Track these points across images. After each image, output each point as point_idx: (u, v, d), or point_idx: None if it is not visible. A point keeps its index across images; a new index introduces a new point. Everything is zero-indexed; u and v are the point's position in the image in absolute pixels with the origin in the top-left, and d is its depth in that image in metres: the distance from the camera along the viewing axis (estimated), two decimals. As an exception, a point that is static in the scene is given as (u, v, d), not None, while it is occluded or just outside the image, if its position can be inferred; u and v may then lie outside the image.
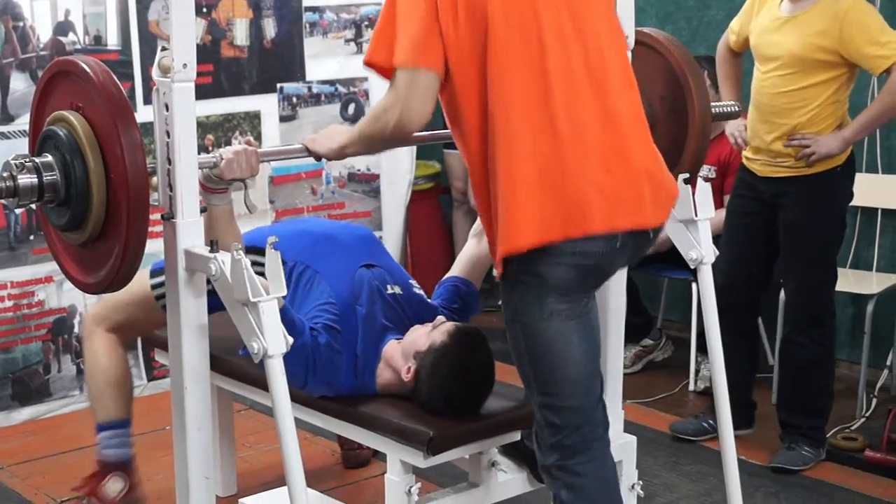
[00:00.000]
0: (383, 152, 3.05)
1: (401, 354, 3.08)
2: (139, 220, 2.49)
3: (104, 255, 2.59)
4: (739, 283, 4.08)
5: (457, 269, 3.46)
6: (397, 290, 3.29)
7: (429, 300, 3.37)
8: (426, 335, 3.06)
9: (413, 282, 3.40)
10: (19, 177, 2.54)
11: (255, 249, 2.84)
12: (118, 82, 2.53)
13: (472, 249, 3.46)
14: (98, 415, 3.47)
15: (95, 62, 2.56)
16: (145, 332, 3.69)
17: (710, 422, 4.31)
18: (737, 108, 3.56)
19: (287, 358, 2.55)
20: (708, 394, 4.62)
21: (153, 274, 3.41)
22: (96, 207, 2.53)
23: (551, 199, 2.58)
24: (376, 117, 2.67)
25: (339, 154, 2.84)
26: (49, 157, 2.57)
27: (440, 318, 3.13)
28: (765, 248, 4.13)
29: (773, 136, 3.97)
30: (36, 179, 2.55)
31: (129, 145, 2.46)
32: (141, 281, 3.44)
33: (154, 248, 4.60)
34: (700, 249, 3.16)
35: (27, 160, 2.56)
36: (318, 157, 2.89)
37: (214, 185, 2.81)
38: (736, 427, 3.29)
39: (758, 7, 4.08)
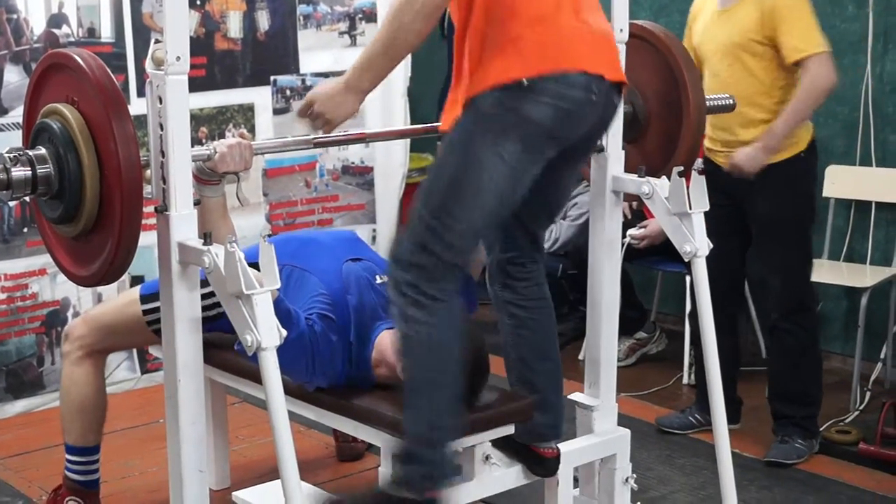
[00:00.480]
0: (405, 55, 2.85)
1: (393, 349, 3.08)
2: (133, 212, 2.49)
3: (98, 247, 2.59)
4: (716, 279, 4.02)
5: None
6: (386, 278, 3.30)
7: None
8: (418, 330, 3.05)
9: None
10: (13, 169, 2.53)
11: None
12: (112, 75, 2.52)
13: None
14: (67, 436, 3.48)
15: (90, 55, 2.55)
16: (132, 348, 3.70)
17: (697, 416, 4.33)
18: (731, 101, 3.57)
19: (287, 352, 2.55)
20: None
21: (144, 299, 3.40)
22: (90, 200, 2.52)
23: (547, 34, 2.67)
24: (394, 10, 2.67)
25: (366, 88, 2.79)
26: (43, 150, 2.56)
27: None
28: (737, 239, 4.13)
29: (748, 129, 3.98)
30: (30, 172, 2.54)
31: (123, 138, 2.45)
32: (130, 305, 3.45)
33: (148, 240, 4.64)
34: (694, 242, 3.17)
35: (21, 153, 2.55)
36: (342, 120, 2.83)
37: (208, 177, 2.80)
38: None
39: (695, 16, 4.16)
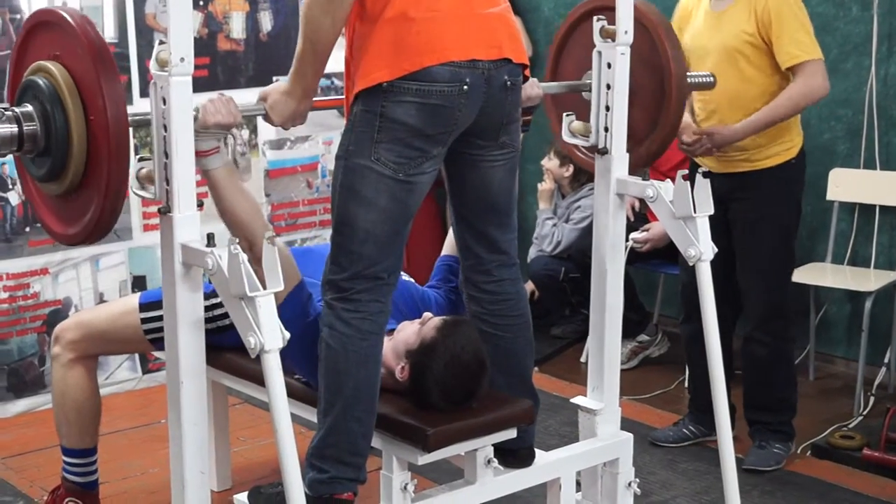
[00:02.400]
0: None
1: (392, 352, 3.07)
2: (120, 170, 2.50)
3: (84, 205, 2.58)
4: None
5: (448, 248, 3.47)
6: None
7: (419, 286, 3.40)
8: (415, 333, 3.05)
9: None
10: None
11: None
12: (99, 32, 2.53)
13: None
14: (62, 438, 3.46)
15: (76, 12, 2.56)
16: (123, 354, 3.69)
17: (691, 428, 4.29)
18: (711, 79, 3.61)
19: (306, 338, 2.57)
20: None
21: (143, 308, 3.38)
22: (76, 157, 2.52)
23: (403, 29, 2.65)
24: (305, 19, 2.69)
25: (299, 95, 2.83)
26: (29, 107, 2.56)
27: (427, 314, 3.13)
28: (727, 243, 4.07)
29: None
30: (16, 129, 2.54)
31: (112, 95, 2.46)
32: (127, 314, 3.42)
33: (150, 240, 4.64)
34: (699, 246, 3.15)
35: (6, 109, 2.55)
36: (285, 120, 2.87)
37: (205, 145, 2.76)
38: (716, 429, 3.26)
39: (684, 17, 4.10)
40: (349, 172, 2.73)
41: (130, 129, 2.53)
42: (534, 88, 3.22)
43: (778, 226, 4.03)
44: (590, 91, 3.32)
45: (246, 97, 4.91)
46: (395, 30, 2.67)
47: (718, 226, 4.01)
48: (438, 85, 2.68)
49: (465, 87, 2.70)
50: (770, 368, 4.08)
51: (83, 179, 2.56)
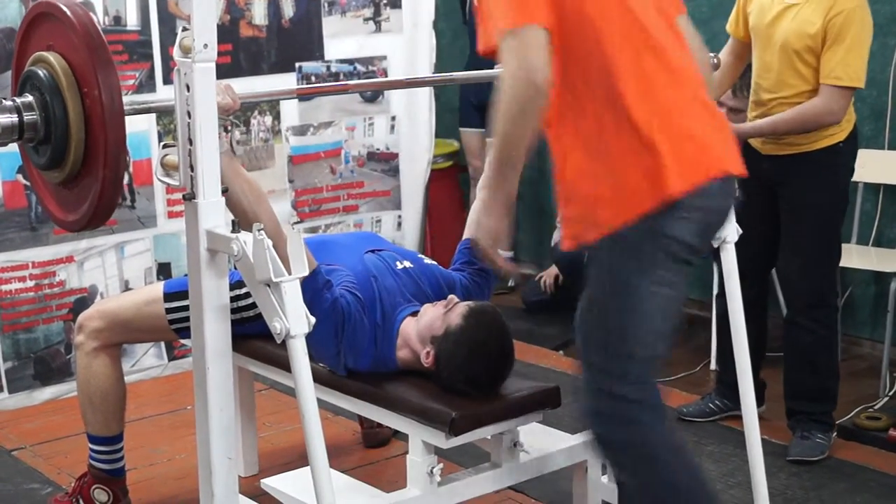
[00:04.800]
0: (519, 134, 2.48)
1: (417, 337, 3.08)
2: (117, 157, 2.55)
3: (84, 192, 2.65)
4: (745, 264, 3.97)
5: (469, 231, 3.46)
6: (407, 264, 3.33)
7: (443, 268, 3.42)
8: (441, 318, 3.05)
9: (422, 256, 3.42)
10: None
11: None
12: (97, 24, 2.59)
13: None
14: (88, 426, 3.48)
15: (74, 3, 2.61)
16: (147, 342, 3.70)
17: (717, 402, 4.30)
18: (715, 61, 3.62)
19: (321, 325, 2.59)
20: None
21: (168, 297, 3.39)
22: (75, 145, 2.59)
23: (671, 148, 2.48)
24: (504, 101, 2.42)
25: (500, 195, 2.53)
26: (29, 98, 2.63)
27: (452, 297, 3.13)
28: (767, 227, 4.05)
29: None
30: (16, 118, 2.61)
31: (107, 86, 2.51)
32: (152, 304, 3.44)
33: (174, 227, 4.66)
34: (724, 228, 3.14)
35: (7, 99, 2.62)
36: (492, 240, 2.59)
37: None
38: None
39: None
40: (623, 298, 2.57)
41: (125, 118, 2.57)
42: None
43: (821, 206, 3.98)
44: None
45: (268, 84, 4.94)
46: (662, 137, 2.49)
47: (763, 209, 4.02)
48: (714, 200, 2.59)
49: (731, 200, 2.69)
50: (814, 356, 4.05)
51: (82, 167, 2.63)
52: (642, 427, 2.56)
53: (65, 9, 2.58)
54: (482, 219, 2.58)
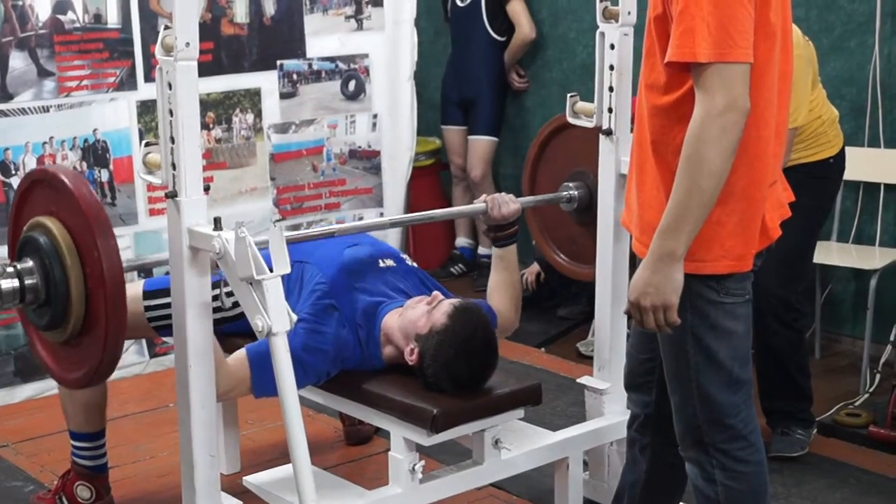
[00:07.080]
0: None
1: (400, 333, 3.08)
2: (117, 318, 2.62)
3: (84, 352, 2.72)
4: None
5: (495, 301, 3.41)
6: (389, 262, 3.32)
7: (423, 270, 3.41)
8: (425, 315, 3.05)
9: (404, 256, 3.43)
10: (2, 281, 2.70)
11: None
12: (93, 190, 2.70)
13: (499, 276, 3.44)
14: (70, 423, 3.48)
15: (70, 171, 2.73)
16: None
17: None
18: None
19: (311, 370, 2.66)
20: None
21: (147, 295, 3.38)
22: (76, 308, 2.67)
23: (762, 209, 2.56)
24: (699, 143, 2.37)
25: (679, 253, 2.44)
26: (30, 262, 2.71)
27: (436, 294, 3.14)
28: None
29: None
30: (17, 283, 2.70)
31: (107, 251, 2.59)
32: (131, 302, 3.40)
33: (157, 225, 4.65)
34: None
35: (8, 265, 2.73)
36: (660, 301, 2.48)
37: None
38: None
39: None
40: (735, 344, 2.64)
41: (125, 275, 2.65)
42: (510, 205, 3.28)
43: (802, 213, 3.96)
44: (567, 202, 3.49)
45: (249, 81, 4.93)
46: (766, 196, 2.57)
47: None
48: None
49: None
50: (784, 357, 4.05)
51: (83, 328, 2.69)
52: None
53: (62, 177, 2.66)
54: (655, 276, 2.44)
